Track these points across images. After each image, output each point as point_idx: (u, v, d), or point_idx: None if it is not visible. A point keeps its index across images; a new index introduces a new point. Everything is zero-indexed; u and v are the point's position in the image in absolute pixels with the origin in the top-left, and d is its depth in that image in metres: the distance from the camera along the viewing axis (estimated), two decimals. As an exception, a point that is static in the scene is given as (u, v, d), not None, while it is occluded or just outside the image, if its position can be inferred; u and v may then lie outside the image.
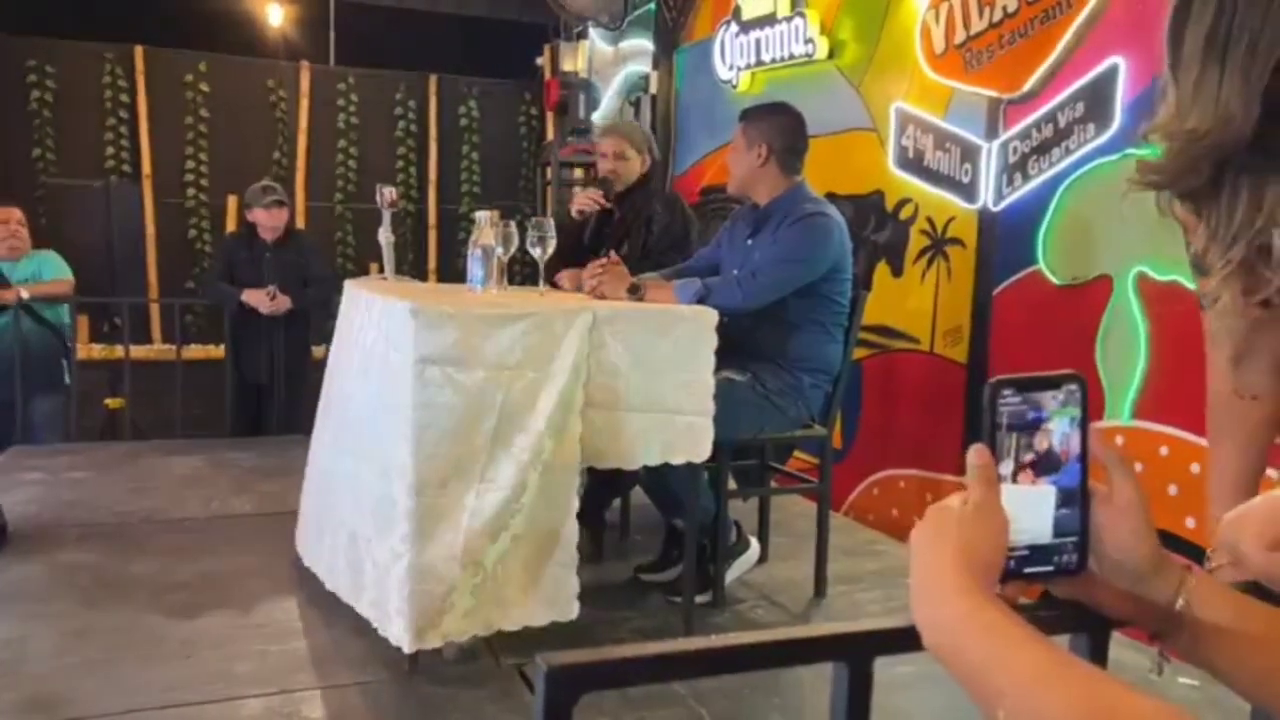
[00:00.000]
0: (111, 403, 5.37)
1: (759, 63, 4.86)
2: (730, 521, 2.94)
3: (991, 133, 3.52)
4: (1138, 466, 2.63)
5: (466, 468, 2.25)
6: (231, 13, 8.45)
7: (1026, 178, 3.36)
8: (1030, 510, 0.68)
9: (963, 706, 0.63)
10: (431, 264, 7.94)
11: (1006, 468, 0.68)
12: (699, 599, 2.78)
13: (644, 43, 6.22)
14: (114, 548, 3.19)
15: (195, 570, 3.00)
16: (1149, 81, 2.82)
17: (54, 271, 4.72)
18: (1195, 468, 2.67)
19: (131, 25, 7.21)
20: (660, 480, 2.73)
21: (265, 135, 7.47)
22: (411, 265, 7.48)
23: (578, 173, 6.79)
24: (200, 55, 7.32)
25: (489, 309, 2.32)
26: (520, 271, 5.92)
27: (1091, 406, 0.70)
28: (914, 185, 3.89)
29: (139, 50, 7.11)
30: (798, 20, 4.55)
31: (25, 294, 4.53)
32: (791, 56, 4.61)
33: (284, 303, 4.63)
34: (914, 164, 3.87)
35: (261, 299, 4.60)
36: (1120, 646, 0.78)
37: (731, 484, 2.99)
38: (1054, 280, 3.27)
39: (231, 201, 7.07)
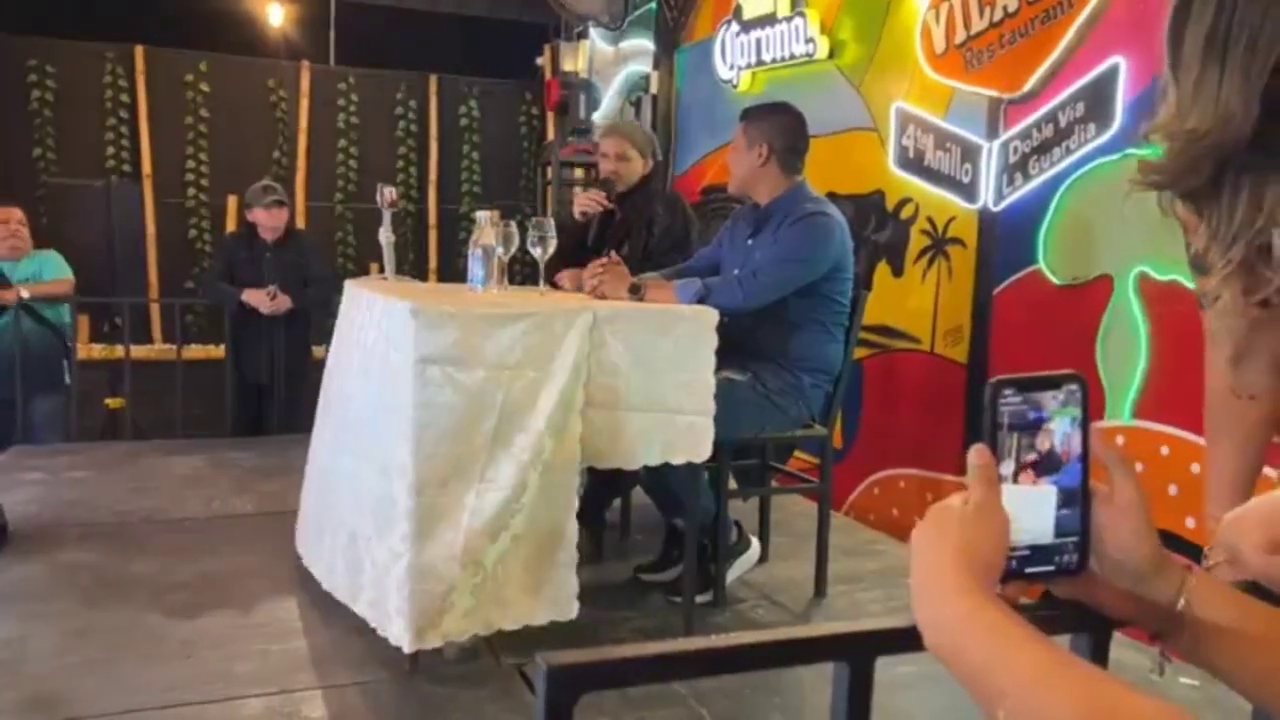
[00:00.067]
0: (112, 402, 5.37)
1: (759, 62, 4.86)
2: (730, 521, 2.94)
3: (992, 132, 3.52)
4: (1138, 466, 2.63)
5: (467, 467, 2.24)
6: (232, 12, 8.46)
7: (1027, 177, 3.36)
8: (1031, 510, 0.68)
9: (963, 706, 0.63)
10: (432, 264, 7.94)
11: (1007, 468, 0.68)
12: (699, 599, 2.78)
13: (644, 42, 6.22)
14: (114, 547, 3.19)
15: (195, 570, 3.00)
16: (1150, 81, 2.82)
17: (55, 271, 4.72)
18: (1195, 468, 2.67)
19: (132, 25, 7.21)
20: (661, 480, 2.73)
21: (265, 135, 7.47)
22: (412, 265, 7.48)
23: (578, 173, 6.79)
24: (201, 55, 7.32)
25: (489, 309, 2.32)
26: (520, 271, 5.92)
27: (1092, 406, 0.70)
28: (914, 185, 3.89)
29: (139, 50, 7.11)
30: (798, 20, 4.55)
31: (26, 294, 4.53)
32: (792, 56, 4.61)
33: (284, 302, 4.63)
34: (914, 164, 3.87)
35: (262, 299, 4.60)
36: (1121, 647, 0.78)
37: (732, 484, 2.99)
38: (1054, 280, 3.27)
39: (232, 201, 7.07)
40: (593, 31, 6.90)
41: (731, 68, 5.07)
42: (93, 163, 6.97)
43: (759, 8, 4.82)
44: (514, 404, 2.27)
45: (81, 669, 2.33)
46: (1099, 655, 0.74)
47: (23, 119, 6.87)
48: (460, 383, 2.23)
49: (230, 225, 7.07)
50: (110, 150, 7.08)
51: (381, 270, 3.59)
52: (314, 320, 4.84)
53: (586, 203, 3.47)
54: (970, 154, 3.60)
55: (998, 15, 3.47)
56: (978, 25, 3.55)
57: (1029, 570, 0.69)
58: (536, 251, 2.83)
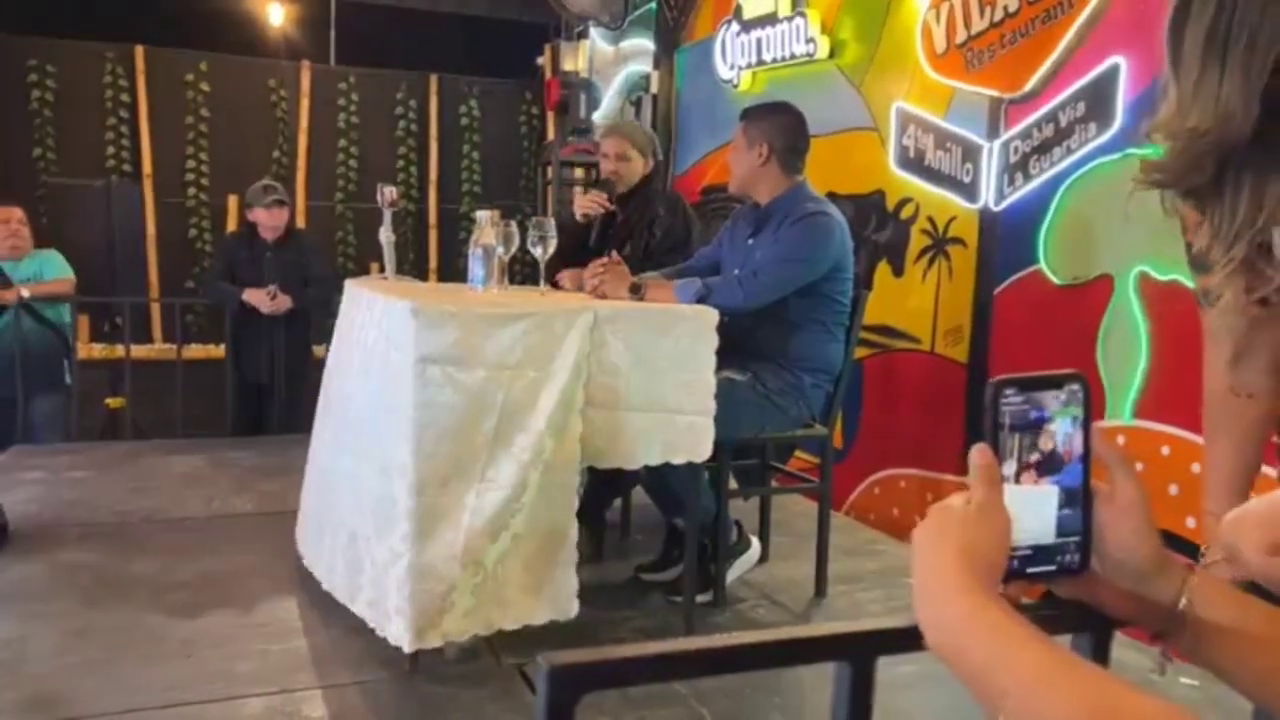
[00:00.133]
0: (112, 402, 5.37)
1: (760, 62, 4.86)
2: (731, 521, 2.94)
3: (992, 132, 3.52)
4: (1139, 466, 2.63)
5: (467, 467, 2.24)
6: (232, 12, 8.46)
7: (1028, 177, 3.36)
8: (1033, 510, 0.68)
9: (964, 706, 0.63)
10: (432, 263, 7.94)
11: (1009, 468, 0.68)
12: (700, 598, 2.78)
13: (645, 42, 6.22)
14: (115, 547, 3.19)
15: (196, 569, 3.00)
16: (1150, 81, 2.82)
17: (56, 271, 4.72)
18: (1196, 467, 2.66)
19: (132, 25, 7.21)
20: (661, 480, 2.73)
21: (266, 135, 7.47)
22: (412, 265, 7.48)
23: (578, 172, 6.79)
24: (201, 55, 7.32)
25: (490, 308, 2.32)
26: (521, 271, 5.92)
27: (1093, 406, 0.70)
28: (915, 185, 3.89)
29: (140, 50, 7.11)
30: (799, 20, 4.55)
31: (26, 293, 4.53)
32: (792, 56, 4.60)
33: (284, 302, 4.63)
34: (915, 163, 3.87)
35: (262, 298, 4.60)
36: (1121, 647, 0.78)
37: (732, 483, 2.99)
38: (1055, 280, 3.27)
39: (232, 201, 7.07)
40: (593, 31, 6.90)
41: (732, 67, 5.07)
42: (93, 162, 6.97)
43: (759, 7, 4.82)
44: (514, 404, 2.27)
45: (82, 669, 2.33)
46: (1100, 655, 0.74)
47: (23, 119, 6.87)
48: (461, 382, 2.23)
49: (231, 225, 7.07)
50: (110, 150, 7.08)
51: (382, 270, 3.59)
52: (314, 320, 4.84)
53: (588, 204, 3.47)
54: (971, 154, 3.60)
55: (998, 15, 3.46)
56: (978, 25, 3.55)
57: (1031, 570, 0.69)
58: (537, 251, 2.83)
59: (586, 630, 2.49)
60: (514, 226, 2.87)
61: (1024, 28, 3.37)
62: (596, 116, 6.75)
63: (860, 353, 3.71)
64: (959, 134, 3.66)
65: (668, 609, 2.86)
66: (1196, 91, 0.75)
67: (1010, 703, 0.56)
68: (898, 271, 4.01)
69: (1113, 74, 3.03)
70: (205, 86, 7.28)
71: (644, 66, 6.20)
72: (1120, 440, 2.90)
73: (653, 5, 6.01)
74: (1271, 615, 0.69)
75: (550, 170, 7.02)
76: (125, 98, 7.09)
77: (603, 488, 3.19)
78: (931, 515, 0.68)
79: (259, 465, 4.26)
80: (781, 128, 2.92)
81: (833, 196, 3.43)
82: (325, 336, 3.48)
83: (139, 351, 5.49)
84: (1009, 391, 0.68)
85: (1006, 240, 3.47)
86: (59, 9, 7.56)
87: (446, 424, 2.22)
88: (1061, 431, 0.69)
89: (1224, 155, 0.76)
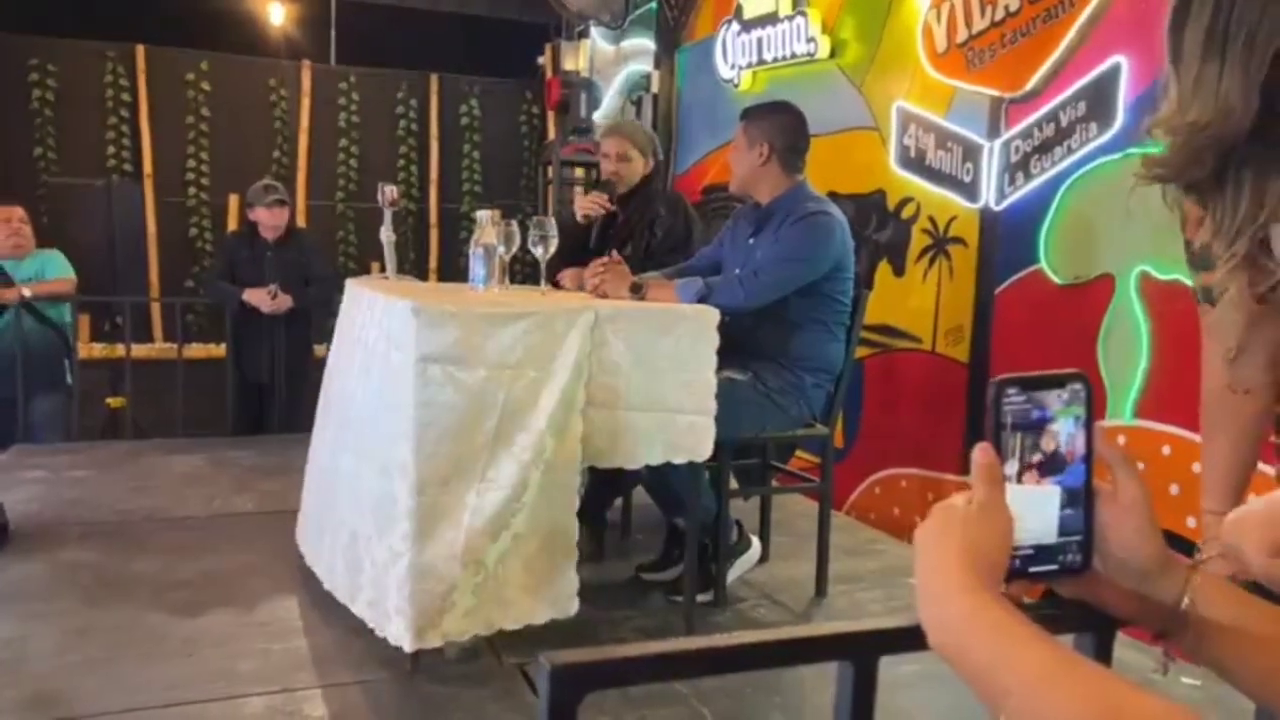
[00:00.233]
0: (113, 402, 5.37)
1: (760, 62, 4.86)
2: (731, 521, 2.94)
3: (993, 132, 3.52)
4: (1139, 466, 2.63)
5: (468, 466, 2.24)
6: (233, 12, 8.47)
7: (1028, 177, 3.36)
8: (1035, 510, 0.68)
9: (966, 706, 0.63)
10: (433, 263, 7.94)
11: (1011, 468, 0.68)
12: (700, 598, 2.78)
13: (645, 42, 6.22)
14: (115, 546, 3.19)
15: (197, 569, 3.00)
16: (1151, 81, 2.82)
17: (57, 270, 4.72)
18: (1197, 467, 2.65)
19: (133, 24, 7.22)
20: (662, 479, 2.73)
21: (266, 134, 7.47)
22: (413, 264, 7.48)
23: (579, 172, 6.79)
24: (201, 54, 7.32)
25: (490, 308, 2.32)
26: (522, 271, 5.92)
27: (1094, 406, 0.70)
28: (916, 184, 3.89)
29: (140, 49, 7.11)
30: (799, 19, 4.55)
31: (27, 292, 4.53)
32: (793, 55, 4.60)
33: (285, 302, 4.63)
34: (915, 163, 3.87)
35: (263, 298, 4.60)
36: (1122, 646, 0.78)
37: (733, 483, 2.99)
38: (1056, 279, 3.26)
39: (233, 200, 7.07)
40: (593, 31, 6.90)
41: (732, 67, 5.07)
42: (94, 162, 6.97)
43: (760, 7, 4.81)
44: (515, 403, 2.27)
45: (83, 668, 2.33)
46: (1103, 654, 0.74)
47: (23, 118, 6.87)
48: (461, 382, 2.23)
49: (231, 224, 7.07)
50: (111, 149, 7.08)
51: (382, 269, 3.59)
52: (315, 319, 4.85)
53: (589, 205, 3.47)
54: (971, 153, 3.60)
55: (999, 14, 3.46)
56: (979, 24, 3.55)
57: (1033, 569, 0.69)
58: (538, 251, 2.83)
59: (587, 630, 2.50)
60: (515, 226, 2.87)
61: (1025, 27, 3.37)
62: (597, 116, 6.76)
63: (861, 352, 3.71)
64: (960, 133, 3.66)
65: (668, 609, 2.86)
66: (1196, 87, 0.76)
67: (1013, 702, 0.56)
68: (898, 271, 4.01)
69: (1114, 73, 3.03)
70: (206, 86, 7.28)
71: (645, 66, 6.20)
72: (1121, 440, 2.90)
73: (653, 5, 6.01)
74: (1274, 615, 0.69)
75: (551, 170, 7.02)
76: (126, 97, 7.10)
77: (603, 487, 3.19)
78: (934, 515, 0.68)
79: (259, 464, 4.26)
80: (782, 127, 2.92)
81: (833, 196, 3.43)
82: (326, 336, 3.48)
83: (139, 351, 5.49)
84: (1011, 391, 0.68)
85: (1007, 240, 3.47)
86: (60, 8, 7.56)
87: (447, 423, 2.22)
88: (1064, 431, 0.69)
89: (1224, 150, 0.76)
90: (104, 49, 7.06)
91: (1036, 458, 0.68)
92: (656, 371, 2.44)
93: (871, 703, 0.69)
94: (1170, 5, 0.80)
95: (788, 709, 2.27)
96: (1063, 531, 0.69)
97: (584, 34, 6.98)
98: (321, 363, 3.33)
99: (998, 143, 3.48)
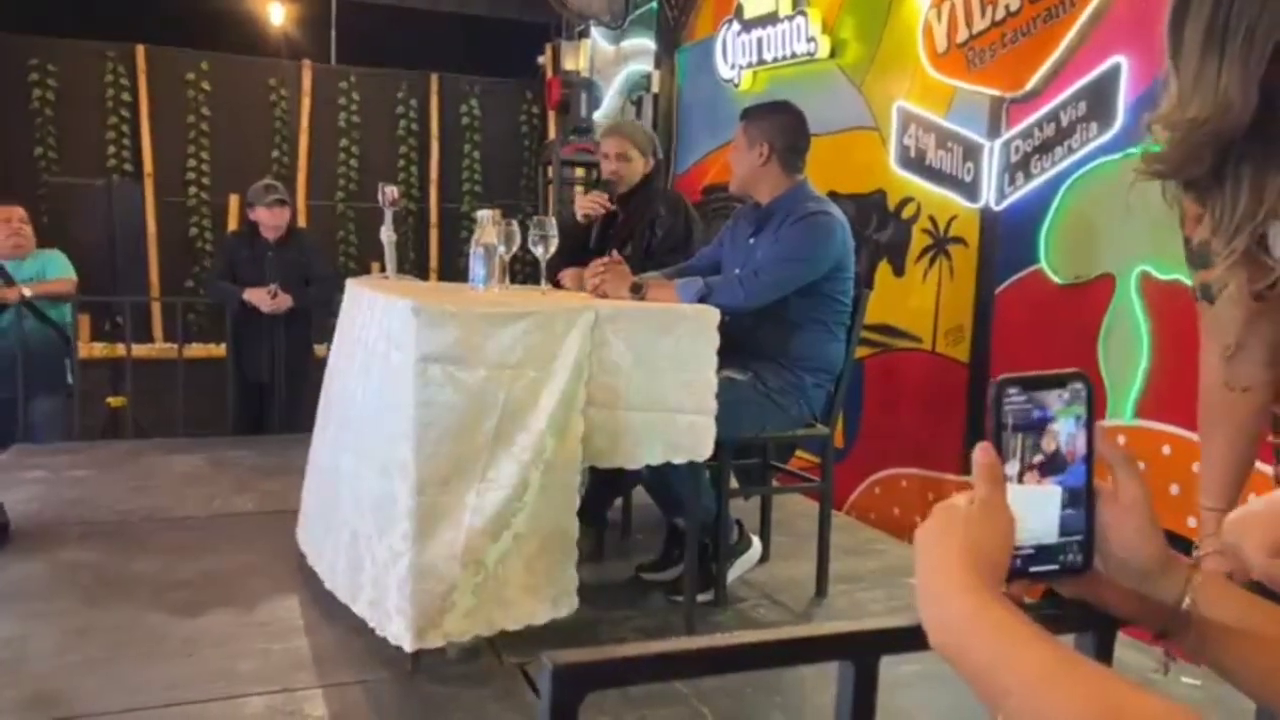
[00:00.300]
0: (113, 401, 5.37)
1: (761, 62, 4.86)
2: (732, 520, 2.94)
3: (994, 132, 3.52)
4: (1140, 465, 2.63)
5: (468, 466, 2.24)
6: (233, 12, 8.46)
7: (1029, 177, 3.35)
8: (1036, 510, 0.68)
9: (966, 706, 0.63)
10: (433, 263, 7.94)
11: (1012, 468, 0.68)
12: (700, 598, 2.78)
13: (646, 42, 6.22)
14: (116, 546, 3.19)
15: (197, 568, 3.00)
16: (1151, 80, 2.81)
17: (58, 270, 4.72)
18: (1198, 466, 2.66)
19: (133, 24, 7.21)
20: (662, 479, 2.73)
21: (266, 134, 7.47)
22: (413, 264, 7.48)
23: (579, 172, 6.79)
24: (202, 54, 7.31)
25: (491, 308, 2.32)
26: (522, 270, 5.92)
27: (1095, 405, 0.70)
28: (916, 184, 3.89)
29: (140, 49, 7.11)
30: (799, 19, 4.55)
31: (28, 292, 4.53)
32: (793, 55, 4.60)
33: (285, 301, 4.63)
34: (916, 163, 3.87)
35: (263, 298, 4.60)
36: (1122, 646, 0.78)
37: (733, 483, 2.99)
38: (1056, 279, 3.26)
39: (233, 200, 7.07)
40: (594, 30, 6.90)
41: (733, 67, 5.07)
42: (94, 162, 6.97)
43: (760, 7, 4.81)
44: (515, 403, 2.27)
45: (83, 667, 2.33)
46: (1103, 654, 0.74)
47: (24, 118, 6.87)
48: (461, 382, 2.23)
49: (231, 224, 7.07)
50: (111, 149, 7.08)
51: (383, 269, 3.60)
52: (315, 319, 4.85)
53: (589, 205, 3.47)
54: (972, 153, 3.60)
55: (999, 14, 3.46)
56: (979, 24, 3.55)
57: (1034, 569, 0.69)
58: (538, 250, 2.83)
59: (587, 630, 2.50)
60: (515, 226, 2.87)
61: (1025, 27, 3.37)
62: (597, 116, 6.76)
63: (861, 352, 3.71)
64: (960, 133, 3.66)
65: (669, 608, 2.86)
66: (1196, 82, 0.76)
67: (1013, 702, 0.56)
68: (899, 271, 4.01)
69: (1114, 73, 3.03)
70: (206, 86, 7.28)
71: (645, 66, 6.20)
72: (1121, 440, 2.90)
73: (654, 4, 6.01)
74: (1275, 615, 0.69)
75: (551, 170, 7.02)
76: (126, 97, 7.09)
77: (603, 487, 3.19)
78: (935, 514, 0.68)
79: (260, 464, 4.26)
80: (782, 127, 2.92)
81: (834, 196, 3.43)
82: (326, 336, 3.48)
83: (140, 350, 5.50)
84: (1012, 391, 0.68)
85: (1007, 240, 3.47)
86: (60, 8, 7.56)
87: (447, 423, 2.22)
88: (1064, 431, 0.68)
89: (1223, 146, 0.76)
90: (104, 49, 7.06)
91: (1037, 458, 0.68)
92: (657, 371, 2.44)
93: (872, 703, 0.69)
94: (1170, 2, 0.80)
95: (788, 709, 2.27)
96: (1064, 531, 0.69)
97: (584, 34, 6.98)
98: (322, 362, 3.33)
99: (998, 142, 3.48)
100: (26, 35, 6.87)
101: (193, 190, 7.31)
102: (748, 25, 4.92)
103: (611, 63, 6.79)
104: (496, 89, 8.11)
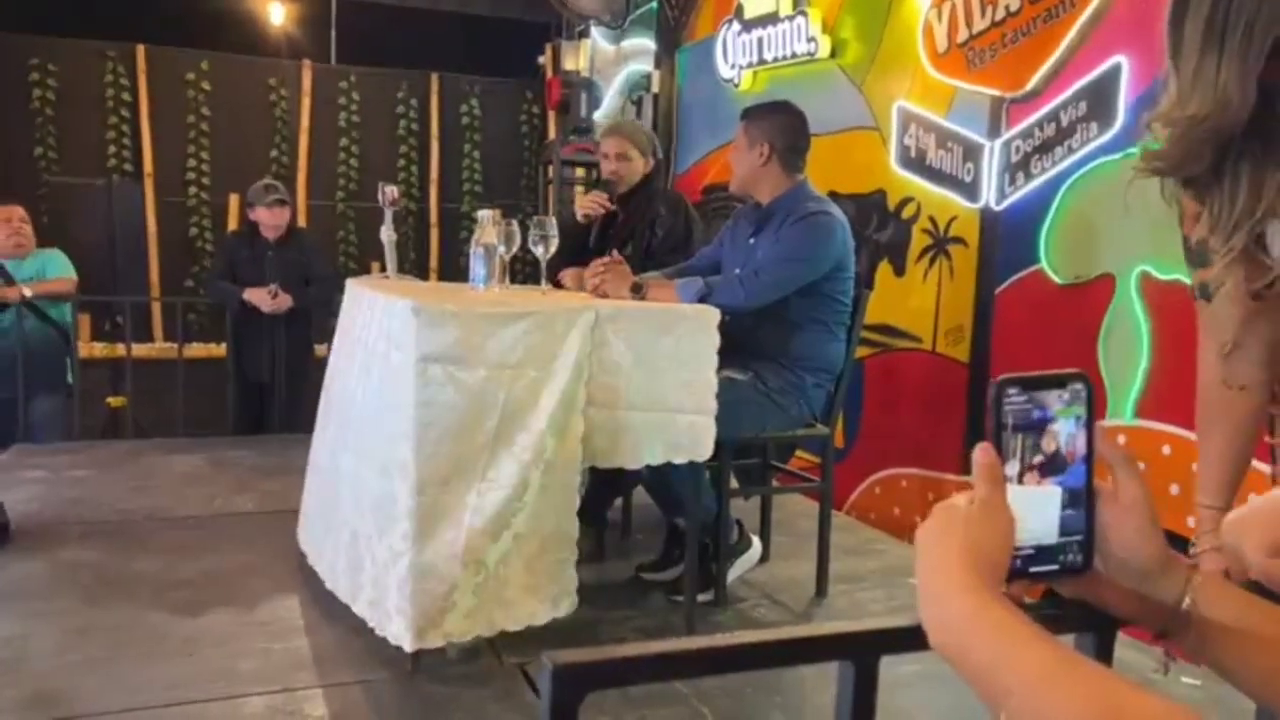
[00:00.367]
0: (113, 401, 5.37)
1: (761, 61, 4.86)
2: (732, 520, 2.94)
3: (994, 131, 3.52)
4: (1140, 465, 2.63)
5: (468, 466, 2.24)
6: (233, 11, 8.46)
7: (1029, 177, 3.36)
8: (1036, 510, 0.68)
9: (966, 706, 0.63)
10: (433, 263, 7.94)
11: (1012, 468, 0.68)
12: (701, 598, 2.78)
13: (646, 41, 6.22)
14: (116, 545, 3.19)
15: (197, 568, 3.01)
16: (1152, 80, 2.81)
17: (59, 270, 4.72)
18: (1197, 466, 2.66)
19: (133, 24, 7.21)
20: (662, 479, 2.73)
21: (267, 134, 7.47)
22: (413, 264, 7.48)
23: (579, 172, 6.79)
24: (202, 54, 7.31)
25: (491, 308, 2.32)
26: (522, 270, 5.92)
27: (1095, 405, 0.70)
28: (916, 184, 3.89)
29: (140, 49, 7.11)
30: (800, 19, 4.55)
31: (28, 292, 4.53)
32: (794, 55, 4.60)
33: (286, 301, 4.63)
34: (916, 163, 3.87)
35: (263, 297, 4.60)
36: (1122, 646, 0.78)
37: (733, 483, 2.99)
38: (1056, 279, 3.26)
39: (233, 200, 7.07)
40: (594, 30, 6.90)
41: (733, 67, 5.07)
42: (94, 161, 6.97)
43: (760, 7, 4.81)
44: (515, 403, 2.27)
45: (83, 667, 2.34)
46: (1103, 654, 0.74)
47: (24, 118, 6.87)
48: (462, 381, 2.23)
49: (231, 224, 7.07)
50: (111, 149, 7.08)
51: (383, 269, 3.60)
52: (315, 319, 4.85)
53: (588, 205, 3.47)
54: (972, 153, 3.60)
55: (1000, 14, 3.46)
56: (980, 24, 3.55)
57: (1033, 569, 0.69)
58: (538, 250, 2.83)
59: (587, 630, 2.50)
60: (515, 226, 2.87)
61: (1025, 27, 3.37)
62: (598, 116, 6.76)
63: (861, 352, 3.71)
64: (960, 133, 3.66)
65: (669, 608, 2.86)
66: (1195, 79, 0.76)
67: (1014, 702, 0.56)
68: (899, 271, 4.01)
69: (1114, 73, 3.03)
70: (206, 85, 7.28)
71: (645, 66, 6.20)
72: (1121, 440, 2.90)
73: (654, 4, 6.01)
74: (1274, 615, 0.69)
75: (551, 169, 7.02)
76: (126, 97, 7.09)
77: (604, 487, 3.19)
78: (935, 514, 0.68)
79: (260, 464, 4.26)
80: (782, 127, 2.92)
81: (834, 196, 3.43)
82: (326, 335, 3.48)
83: (140, 350, 5.50)
84: (1012, 391, 0.68)
85: (1008, 240, 3.47)
86: (60, 8, 7.56)
87: (448, 423, 2.22)
88: (1064, 431, 0.68)
89: (1222, 143, 0.77)
90: (104, 49, 7.06)
91: (1037, 458, 0.68)
92: (657, 371, 2.44)
93: (872, 703, 0.69)
94: (1170, 1, 0.81)
95: (788, 709, 2.27)
96: (1064, 531, 0.69)
97: (584, 34, 6.98)
98: (322, 362, 3.33)
99: (998, 142, 3.48)
100: (27, 35, 6.87)
101: (193, 190, 7.31)
102: (748, 25, 4.92)
103: (611, 63, 6.79)
104: (497, 89, 8.11)
